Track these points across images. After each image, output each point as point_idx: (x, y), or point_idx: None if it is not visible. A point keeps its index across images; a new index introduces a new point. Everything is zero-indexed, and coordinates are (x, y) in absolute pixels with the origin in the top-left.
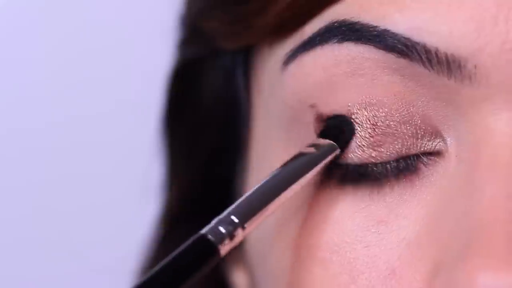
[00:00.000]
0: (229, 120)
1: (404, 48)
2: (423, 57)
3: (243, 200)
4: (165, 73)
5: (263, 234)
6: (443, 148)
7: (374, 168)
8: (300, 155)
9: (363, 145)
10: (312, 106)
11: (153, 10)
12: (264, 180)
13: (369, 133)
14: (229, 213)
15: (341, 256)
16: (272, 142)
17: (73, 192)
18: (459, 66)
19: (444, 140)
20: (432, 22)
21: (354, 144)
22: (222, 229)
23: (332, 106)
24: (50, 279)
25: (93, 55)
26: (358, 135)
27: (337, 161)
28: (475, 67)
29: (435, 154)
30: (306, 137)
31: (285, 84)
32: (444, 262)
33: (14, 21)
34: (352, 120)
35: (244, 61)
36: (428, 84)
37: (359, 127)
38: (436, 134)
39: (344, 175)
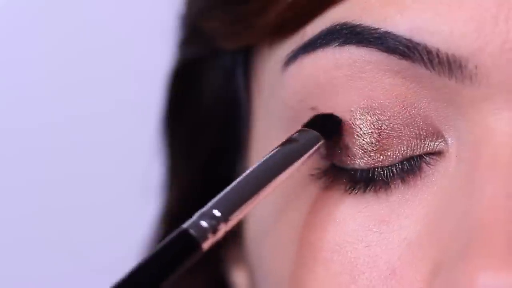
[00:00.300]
0: (229, 120)
1: (406, 50)
2: (424, 58)
3: (226, 193)
4: (165, 73)
5: (264, 234)
6: (444, 148)
7: (381, 172)
8: (284, 144)
9: (370, 150)
10: (313, 108)
11: (153, 10)
12: (247, 172)
13: (375, 138)
14: (211, 206)
15: (342, 255)
16: (272, 142)
17: (73, 192)
18: (460, 66)
19: (445, 140)
20: (432, 22)
21: (361, 150)
22: (204, 223)
23: (334, 110)
24: (50, 279)
25: (93, 55)
26: (364, 141)
27: (345, 166)
28: (476, 67)
29: (436, 154)
30: None
31: (286, 84)
32: (445, 262)
33: (14, 21)
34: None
35: (244, 61)
36: (429, 85)
37: (365, 133)
38: (437, 134)
39: (353, 181)
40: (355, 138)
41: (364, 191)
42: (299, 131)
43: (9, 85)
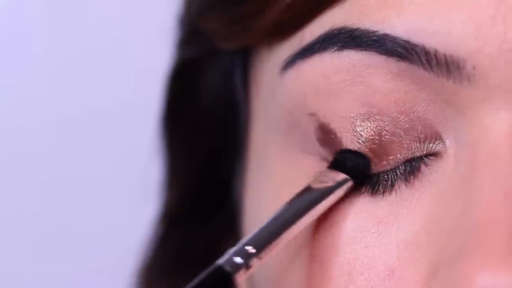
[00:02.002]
0: (228, 120)
1: (404, 51)
2: (422, 59)
3: (259, 231)
4: (164, 73)
5: None
6: (442, 149)
7: (385, 176)
8: (313, 184)
9: (373, 157)
10: (312, 114)
11: (151, 10)
12: (279, 210)
13: (377, 144)
14: (245, 243)
15: (340, 256)
16: (270, 144)
17: (72, 192)
18: (458, 67)
19: (443, 141)
20: (430, 23)
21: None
22: (238, 260)
23: (334, 116)
24: (48, 279)
25: (92, 55)
26: (367, 148)
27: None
28: (474, 68)
29: (434, 155)
30: (305, 142)
31: (284, 89)
32: (443, 262)
33: (14, 21)
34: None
35: (242, 62)
36: (427, 86)
37: (365, 140)
38: (435, 136)
39: (357, 187)
40: (357, 145)
41: (367, 194)
42: (325, 171)
43: (7, 85)
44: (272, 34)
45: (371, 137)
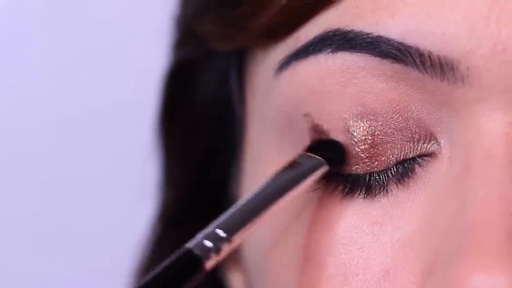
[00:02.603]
0: (224, 121)
1: (398, 53)
2: (417, 60)
3: (230, 214)
4: (160, 74)
5: (259, 237)
6: (436, 150)
7: (377, 177)
8: (287, 168)
9: (365, 157)
10: (306, 115)
11: (148, 11)
12: (251, 194)
13: (369, 144)
14: (215, 226)
15: (336, 257)
16: (266, 145)
17: (68, 192)
18: (452, 68)
19: (437, 142)
20: (424, 24)
21: (356, 157)
22: (208, 243)
23: (328, 117)
24: (45, 279)
25: (88, 56)
26: (358, 148)
27: (341, 172)
28: (468, 69)
29: (429, 155)
30: (300, 142)
31: (279, 90)
32: (437, 263)
33: (14, 21)
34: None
35: (238, 63)
36: (421, 88)
37: (358, 140)
38: (430, 136)
39: (348, 185)
40: (349, 145)
41: (359, 194)
42: (302, 155)
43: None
44: (266, 36)
45: (363, 137)
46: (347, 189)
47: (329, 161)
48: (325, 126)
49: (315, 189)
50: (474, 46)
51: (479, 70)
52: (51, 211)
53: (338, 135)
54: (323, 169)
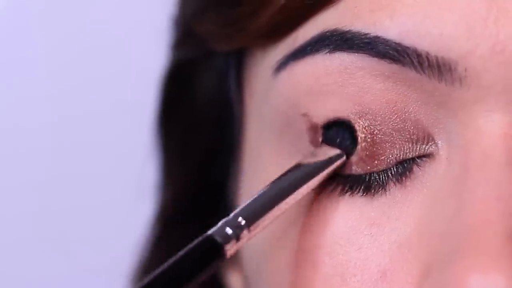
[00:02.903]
0: (223, 121)
1: (396, 54)
2: (414, 61)
3: (251, 202)
4: (159, 74)
5: (258, 237)
6: (434, 151)
7: (377, 177)
8: (306, 159)
9: (364, 156)
10: (304, 115)
11: (147, 11)
12: (271, 183)
13: (369, 142)
14: (236, 214)
15: (333, 258)
16: (264, 145)
17: (67, 192)
18: (450, 69)
19: (435, 142)
20: (422, 25)
21: (356, 156)
22: (229, 230)
23: (326, 117)
24: (44, 279)
25: (87, 56)
26: (359, 147)
27: (341, 172)
28: (466, 69)
29: (427, 156)
30: (298, 143)
31: (277, 90)
32: (435, 263)
33: (14, 21)
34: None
35: (237, 64)
36: (419, 88)
37: (359, 137)
38: (428, 137)
39: (347, 185)
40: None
41: (358, 194)
42: (321, 147)
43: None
44: (266, 36)
45: (363, 135)
46: (346, 189)
47: (346, 151)
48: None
49: (313, 190)
50: (472, 47)
51: (477, 70)
52: (50, 211)
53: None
54: (341, 160)
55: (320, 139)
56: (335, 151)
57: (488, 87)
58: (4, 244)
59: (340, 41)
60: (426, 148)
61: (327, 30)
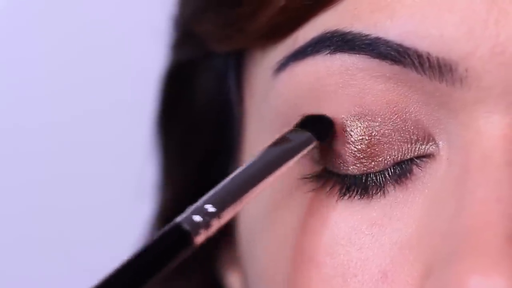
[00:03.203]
0: (222, 122)
1: (397, 55)
2: (415, 62)
3: (219, 189)
4: (158, 74)
5: (256, 237)
6: (435, 151)
7: (374, 177)
8: (276, 143)
9: (361, 157)
10: (304, 115)
11: (146, 11)
12: (240, 169)
13: (366, 144)
14: (205, 201)
15: (334, 258)
16: (264, 145)
17: (67, 192)
18: (450, 70)
19: (436, 143)
20: (422, 26)
21: (352, 156)
22: (197, 218)
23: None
24: (43, 279)
25: (87, 57)
26: (355, 148)
27: (338, 172)
28: (466, 70)
29: (427, 156)
30: None
31: (277, 91)
32: (436, 264)
33: (14, 21)
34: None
35: (236, 64)
36: (420, 89)
37: (356, 139)
38: (428, 137)
39: (345, 186)
40: (346, 145)
41: (356, 195)
42: (292, 131)
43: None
44: (265, 36)
45: (360, 137)
46: (344, 190)
47: (317, 136)
48: None
49: (313, 190)
50: (472, 48)
51: (477, 71)
52: (49, 211)
53: (335, 135)
54: (312, 144)
55: (295, 124)
56: (306, 135)
57: (489, 88)
58: (4, 244)
59: (341, 42)
60: (426, 148)
61: (327, 31)
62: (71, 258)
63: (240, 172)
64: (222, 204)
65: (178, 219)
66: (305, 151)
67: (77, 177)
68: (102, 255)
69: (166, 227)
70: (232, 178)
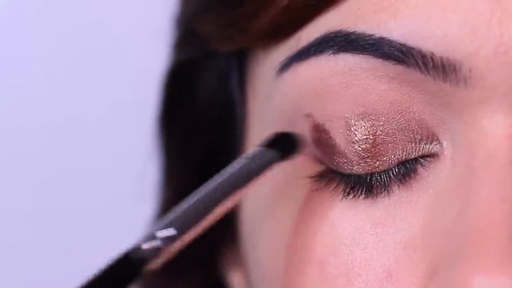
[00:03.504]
0: (224, 122)
1: (401, 55)
2: (419, 62)
3: (175, 213)
4: (160, 74)
5: (259, 237)
6: (439, 151)
7: (378, 177)
8: (237, 164)
9: (366, 157)
10: (308, 115)
11: (148, 11)
12: (197, 192)
13: (371, 143)
14: (157, 227)
15: (338, 258)
16: None
17: (68, 192)
18: (454, 70)
19: (440, 142)
20: (426, 26)
21: (356, 156)
22: (145, 246)
23: (329, 117)
24: (43, 279)
25: (88, 56)
26: (359, 147)
27: (343, 172)
28: (470, 70)
29: (431, 156)
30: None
31: (280, 91)
32: (440, 264)
33: (14, 21)
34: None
35: (239, 64)
36: (424, 89)
37: (360, 139)
38: (432, 137)
39: (349, 185)
40: (350, 144)
41: (361, 195)
42: (255, 150)
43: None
44: (268, 36)
45: (365, 137)
46: (348, 189)
47: (283, 154)
48: (326, 126)
49: (316, 189)
50: (476, 48)
51: (481, 71)
52: (50, 211)
53: (339, 134)
54: (276, 163)
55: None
56: (269, 154)
57: (493, 87)
58: (3, 244)
59: (344, 42)
60: (431, 148)
61: (331, 31)
62: (72, 258)
63: (194, 198)
64: (183, 227)
65: (128, 248)
66: (266, 171)
67: (77, 177)
68: (103, 255)
69: (115, 257)
70: (189, 202)
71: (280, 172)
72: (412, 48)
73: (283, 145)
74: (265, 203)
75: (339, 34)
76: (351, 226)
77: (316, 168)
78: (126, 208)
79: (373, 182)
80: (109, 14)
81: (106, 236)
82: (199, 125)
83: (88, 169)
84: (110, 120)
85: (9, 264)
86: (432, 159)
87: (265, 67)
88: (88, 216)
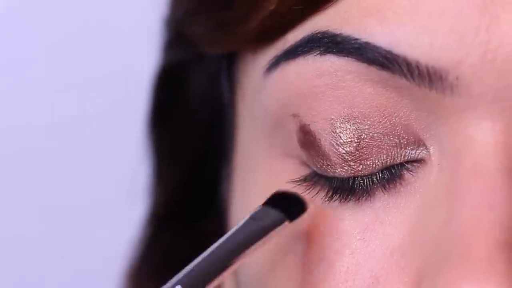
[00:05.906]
0: (215, 123)
1: (385, 61)
2: (404, 69)
3: (186, 272)
4: (151, 76)
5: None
6: (426, 156)
7: (361, 181)
8: (247, 224)
9: (349, 160)
10: (295, 115)
11: (139, 13)
12: (208, 252)
13: (355, 147)
14: (174, 283)
15: (326, 263)
16: (256, 146)
17: (59, 193)
18: (440, 78)
19: (427, 148)
20: (412, 34)
21: (340, 159)
22: None
23: (315, 118)
24: (35, 280)
25: (80, 58)
26: (344, 150)
27: (326, 174)
28: (457, 78)
29: (418, 161)
30: (288, 143)
31: (268, 91)
32: (427, 271)
33: (14, 21)
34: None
35: (228, 66)
36: (409, 95)
37: (344, 142)
38: (419, 142)
39: (333, 189)
40: (335, 147)
41: (346, 199)
42: (262, 209)
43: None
44: (256, 39)
45: (349, 140)
46: (330, 193)
47: (290, 215)
48: (312, 127)
49: (301, 194)
50: (463, 55)
51: (468, 79)
52: (42, 211)
53: (324, 136)
54: (284, 224)
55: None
56: (277, 215)
57: (479, 95)
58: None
59: (331, 43)
60: (417, 154)
61: (318, 31)
62: (63, 259)
63: (208, 254)
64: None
65: None
66: (274, 232)
67: (69, 178)
68: (94, 256)
69: None
70: (201, 260)
71: (268, 176)
72: (397, 56)
73: (288, 206)
74: (255, 205)
75: (325, 35)
76: (338, 232)
77: (301, 172)
78: (118, 210)
79: (355, 186)
80: (101, 16)
81: (97, 237)
82: (189, 126)
83: (80, 171)
84: (102, 122)
85: (3, 265)
86: (419, 164)
87: (254, 68)
88: (79, 217)
